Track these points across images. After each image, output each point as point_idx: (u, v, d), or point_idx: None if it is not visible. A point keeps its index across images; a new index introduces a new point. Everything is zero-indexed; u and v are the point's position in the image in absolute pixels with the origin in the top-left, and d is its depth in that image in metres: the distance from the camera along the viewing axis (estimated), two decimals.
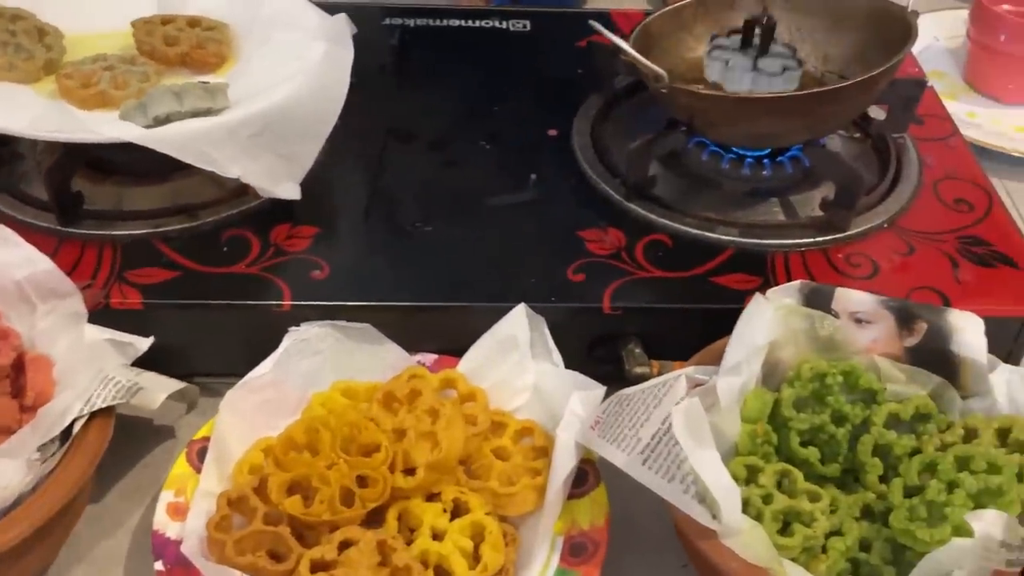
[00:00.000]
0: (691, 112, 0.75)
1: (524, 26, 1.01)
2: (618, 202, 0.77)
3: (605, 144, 0.84)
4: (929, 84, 0.90)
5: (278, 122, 0.72)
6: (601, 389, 0.65)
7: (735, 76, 0.82)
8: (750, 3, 0.86)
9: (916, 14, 0.78)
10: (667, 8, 0.84)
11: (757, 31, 0.80)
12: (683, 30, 0.86)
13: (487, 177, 0.81)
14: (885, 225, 0.76)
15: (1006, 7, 1.09)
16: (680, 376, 0.60)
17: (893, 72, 0.72)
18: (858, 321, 0.64)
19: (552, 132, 0.86)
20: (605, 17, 1.02)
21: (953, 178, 0.82)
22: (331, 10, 0.83)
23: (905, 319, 0.63)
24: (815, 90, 0.69)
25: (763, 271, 0.72)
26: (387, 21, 1.01)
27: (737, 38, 0.83)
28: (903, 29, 0.77)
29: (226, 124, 0.69)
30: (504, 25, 1.01)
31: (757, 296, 0.62)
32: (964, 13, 1.17)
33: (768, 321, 0.61)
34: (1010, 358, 0.72)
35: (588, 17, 1.02)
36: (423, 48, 0.98)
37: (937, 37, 1.16)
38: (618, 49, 0.73)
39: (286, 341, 0.67)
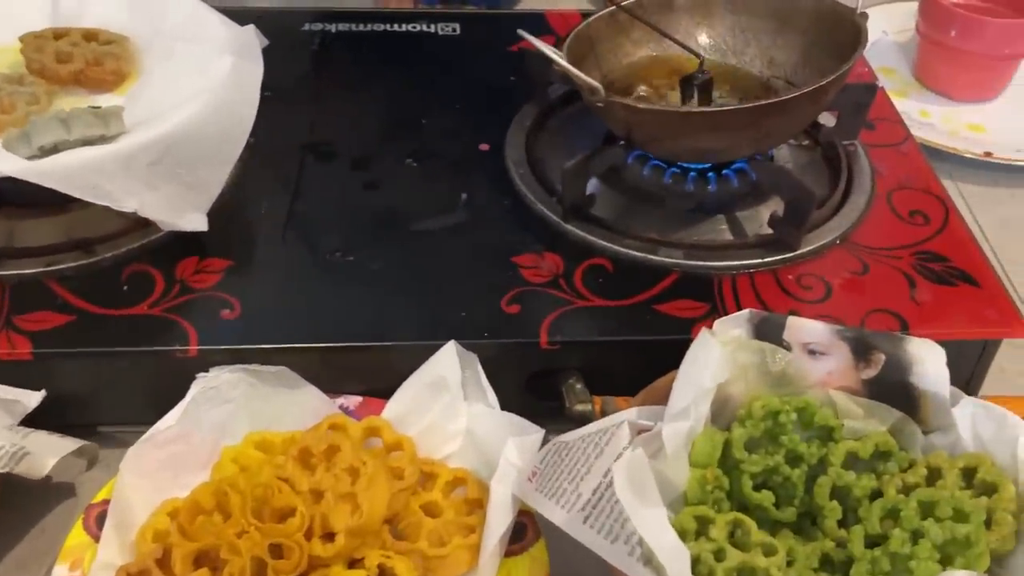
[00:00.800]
0: (629, 127, 0.71)
1: (453, 30, 0.96)
2: (555, 224, 0.73)
3: (540, 158, 0.80)
4: (880, 86, 0.87)
5: (180, 147, 0.66)
6: (539, 433, 0.61)
7: None
8: (688, 4, 0.83)
9: (865, 16, 0.74)
10: (603, 12, 0.80)
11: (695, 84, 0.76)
12: (621, 35, 0.82)
13: (413, 199, 0.76)
14: (838, 242, 0.73)
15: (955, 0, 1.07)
16: (623, 423, 0.56)
17: (843, 80, 0.68)
18: (812, 353, 0.60)
19: (484, 147, 0.81)
20: (539, 19, 0.98)
21: (907, 188, 0.79)
22: (247, 15, 0.78)
23: (861, 350, 0.60)
24: (762, 103, 0.66)
25: (710, 296, 0.69)
26: (306, 27, 0.95)
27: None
28: (852, 32, 0.73)
29: (121, 153, 0.64)
30: (432, 29, 0.96)
31: (704, 332, 0.58)
32: (913, 6, 1.15)
33: (716, 359, 0.57)
34: (971, 382, 0.70)
35: (522, 19, 0.98)
36: (345, 56, 0.93)
37: (886, 31, 1.14)
38: (550, 60, 0.68)
39: (193, 389, 0.62)
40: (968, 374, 0.69)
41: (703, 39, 0.83)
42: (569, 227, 0.73)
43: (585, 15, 0.96)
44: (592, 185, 0.74)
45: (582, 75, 0.67)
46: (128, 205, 0.64)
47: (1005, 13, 1.04)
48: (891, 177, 0.80)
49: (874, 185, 0.78)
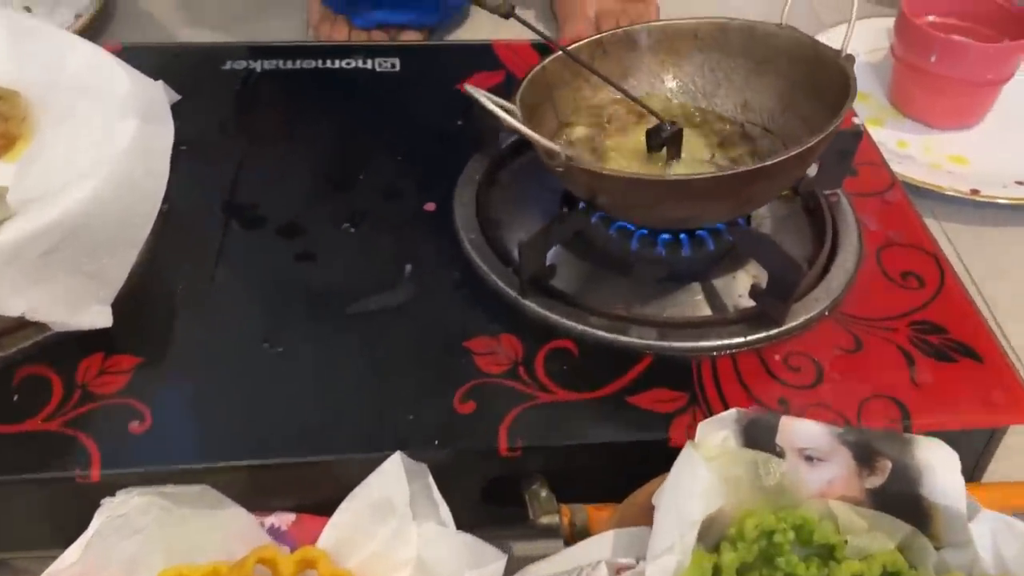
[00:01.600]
0: (593, 192, 0.64)
1: (392, 65, 0.88)
2: (512, 299, 0.66)
3: (494, 219, 0.73)
4: (863, 128, 0.81)
5: (79, 233, 0.58)
6: (500, 562, 0.54)
7: None
8: (653, 42, 0.75)
9: (851, 59, 0.68)
10: (557, 54, 0.73)
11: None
12: (579, 77, 0.74)
13: (352, 272, 0.68)
14: (826, 313, 0.66)
15: (931, 18, 1.01)
16: (600, 563, 0.49)
17: (832, 137, 0.62)
18: (809, 459, 0.54)
19: (429, 206, 0.74)
20: (486, 52, 0.90)
21: (897, 244, 0.73)
22: (163, 53, 0.69)
23: (865, 456, 0.53)
24: (744, 169, 0.59)
25: (688, 382, 0.62)
26: (228, 65, 0.87)
27: None
28: (837, 77, 0.67)
29: (6, 245, 0.55)
30: (369, 64, 0.88)
31: (688, 448, 0.52)
32: (885, 23, 1.09)
33: (703, 483, 0.50)
34: (975, 472, 0.64)
35: (468, 51, 0.90)
36: (272, 98, 0.84)
37: (856, 52, 1.07)
38: (499, 118, 0.60)
39: (97, 519, 0.54)
40: (973, 462, 0.63)
41: (670, 80, 0.76)
42: (528, 303, 0.65)
43: (536, 47, 0.90)
44: (552, 253, 0.67)
45: (538, 137, 0.60)
46: (14, 308, 0.55)
47: (985, 33, 0.99)
48: (879, 232, 0.73)
49: (861, 243, 0.72)
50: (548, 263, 0.67)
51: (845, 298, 0.68)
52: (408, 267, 0.69)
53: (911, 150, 0.96)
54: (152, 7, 1.12)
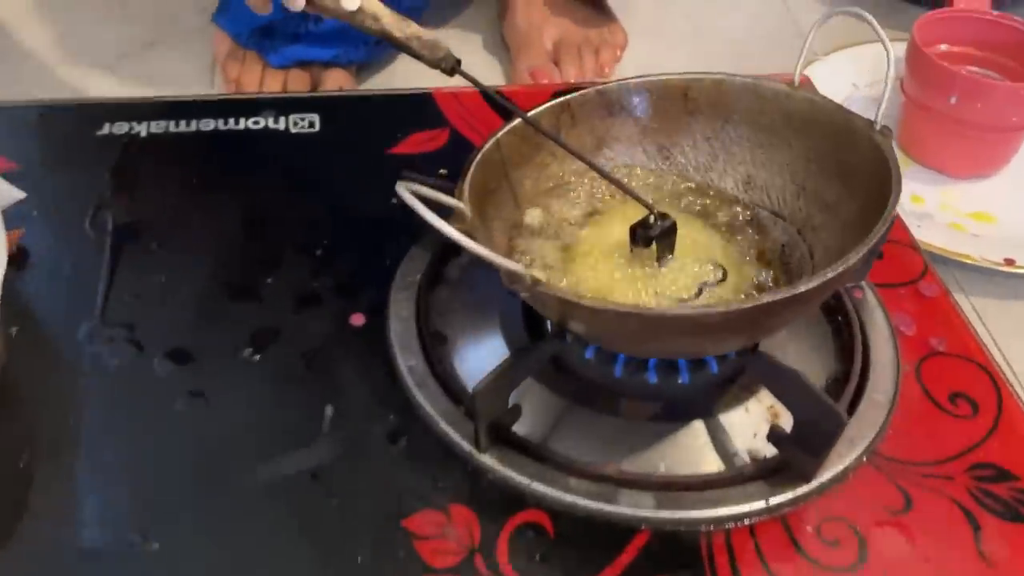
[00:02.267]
0: (570, 321, 0.50)
1: (310, 124, 0.73)
2: (465, 455, 0.52)
3: (440, 335, 0.58)
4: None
5: None
6: None
7: None
8: (632, 105, 0.61)
9: (889, 133, 0.54)
10: (514, 122, 0.58)
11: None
12: (542, 150, 0.60)
13: (254, 421, 0.53)
14: (864, 459, 0.53)
15: (944, 47, 0.88)
16: None
17: (875, 252, 0.48)
18: None
19: (357, 319, 0.59)
20: (425, 103, 0.75)
21: (940, 353, 0.59)
22: (18, 116, 0.54)
23: None
24: (769, 301, 0.45)
25: (698, 566, 0.48)
26: (104, 129, 0.71)
27: None
28: (869, 156, 0.54)
29: None
30: (281, 124, 0.73)
31: None
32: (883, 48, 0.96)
33: None
34: None
35: (402, 103, 0.75)
36: (158, 174, 0.69)
37: (856, 84, 0.95)
38: (442, 232, 0.46)
39: None
40: None
41: (654, 151, 0.62)
42: (486, 460, 0.51)
43: (486, 96, 0.75)
44: (515, 393, 0.53)
45: (496, 257, 0.45)
46: None
47: (1006, 64, 0.86)
48: (917, 338, 0.60)
49: (898, 355, 0.59)
50: (510, 403, 0.52)
51: (885, 436, 0.54)
52: (328, 410, 0.54)
53: (927, 206, 0.83)
54: (24, 39, 0.96)
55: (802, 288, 0.45)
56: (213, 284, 0.60)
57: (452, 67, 0.57)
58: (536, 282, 0.47)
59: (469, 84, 0.57)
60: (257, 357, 0.56)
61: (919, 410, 0.56)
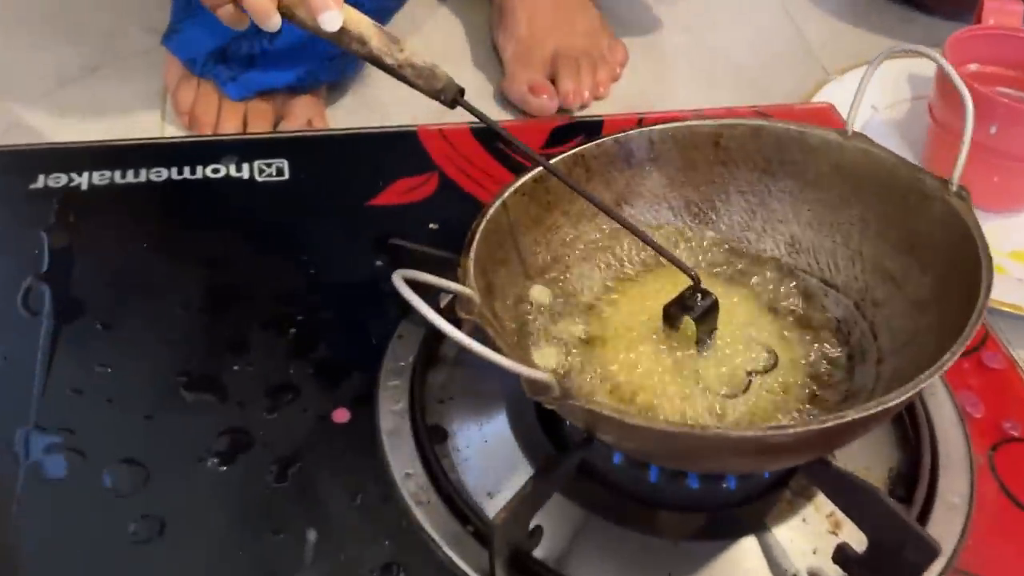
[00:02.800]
0: (607, 436, 0.41)
1: (278, 171, 0.64)
2: None
3: (441, 430, 0.50)
4: None
5: None
6: None
7: None
8: (654, 155, 0.53)
9: (967, 196, 0.46)
10: (521, 181, 0.50)
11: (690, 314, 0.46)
12: (554, 210, 0.52)
13: (223, 555, 0.44)
14: None
15: (974, 67, 0.81)
16: None
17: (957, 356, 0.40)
18: None
19: (340, 416, 0.50)
20: (408, 141, 0.67)
21: (1015, 440, 0.52)
22: None
23: None
24: (852, 418, 0.37)
25: None
26: (40, 182, 0.61)
27: None
28: (942, 221, 0.46)
29: None
30: (246, 172, 0.64)
31: None
32: (906, 67, 0.89)
33: None
34: None
35: (384, 142, 0.67)
36: (100, 237, 0.59)
37: (875, 106, 0.87)
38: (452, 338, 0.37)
39: None
40: None
41: (681, 208, 0.54)
42: None
43: (478, 134, 0.67)
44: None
45: (522, 368, 0.37)
46: None
47: None
48: (987, 420, 0.53)
49: (968, 443, 0.51)
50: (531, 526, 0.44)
51: (965, 545, 0.47)
52: (311, 535, 0.45)
53: None
54: None
55: (894, 400, 0.37)
56: (169, 375, 0.51)
57: (453, 99, 0.49)
58: (567, 395, 0.38)
59: (459, 116, 0.49)
60: (224, 468, 0.48)
61: (998, 511, 0.49)
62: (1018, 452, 0.51)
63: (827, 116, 0.75)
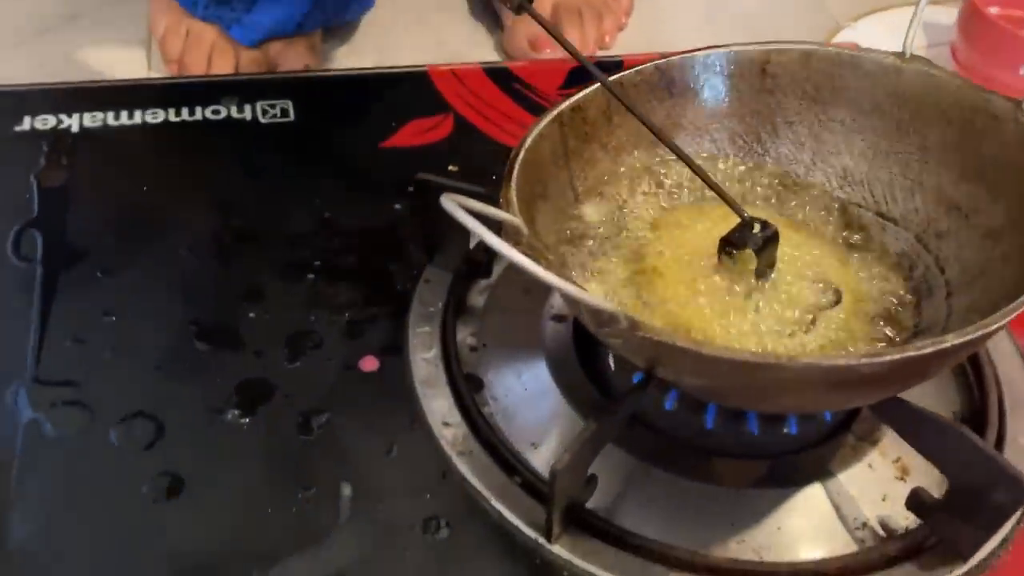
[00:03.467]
0: (673, 370, 0.38)
1: (283, 112, 0.60)
2: (531, 546, 0.40)
3: (478, 380, 0.47)
4: None
5: None
6: None
7: None
8: (697, 83, 0.50)
9: None
10: (559, 110, 0.46)
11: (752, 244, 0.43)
12: (592, 141, 0.48)
13: (247, 516, 0.41)
14: (1022, 523, 0.43)
15: (994, 10, 0.79)
16: None
17: None
18: None
19: (368, 363, 0.47)
20: (420, 81, 0.63)
21: None
22: None
23: None
24: (950, 344, 0.34)
25: None
26: (26, 124, 0.57)
27: None
28: (1014, 143, 0.43)
29: None
30: (247, 114, 0.60)
31: None
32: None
33: None
34: None
35: (394, 82, 0.63)
36: (97, 181, 0.55)
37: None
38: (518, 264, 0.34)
39: None
40: None
41: (722, 137, 0.51)
42: (559, 552, 0.40)
43: (492, 73, 0.63)
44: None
45: (590, 298, 0.34)
46: None
47: None
48: None
49: None
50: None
51: None
52: (346, 489, 0.42)
53: None
54: None
55: (996, 324, 0.35)
56: (179, 324, 0.48)
57: (520, 2, 0.45)
58: (635, 325, 0.35)
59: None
60: (246, 420, 0.44)
61: None
62: None
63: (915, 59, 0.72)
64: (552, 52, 0.79)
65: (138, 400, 0.44)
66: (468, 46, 0.84)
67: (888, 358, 0.34)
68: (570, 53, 0.46)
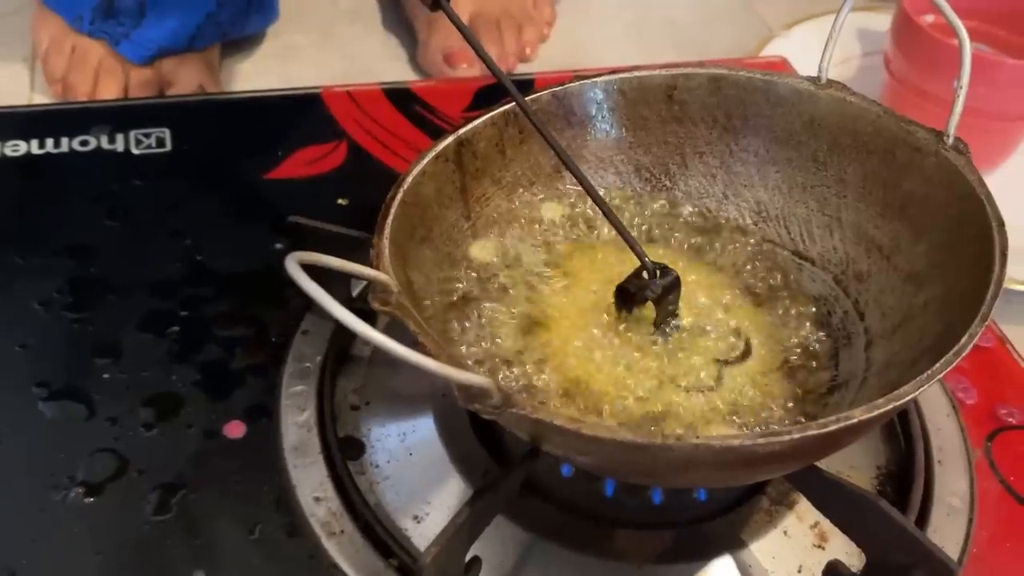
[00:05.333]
0: (556, 448, 0.34)
1: (159, 142, 0.55)
2: None
3: (353, 441, 0.42)
4: None
5: None
6: None
7: None
8: (597, 112, 0.46)
9: (966, 149, 0.40)
10: (443, 145, 0.42)
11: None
12: (484, 177, 0.44)
13: None
14: None
15: (930, 18, 0.75)
16: None
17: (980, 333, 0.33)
18: None
19: (233, 430, 0.42)
20: (312, 107, 0.58)
21: (1013, 427, 0.46)
22: None
23: None
24: (859, 419, 0.30)
25: None
26: None
27: None
28: (935, 179, 0.40)
29: None
30: (118, 144, 0.55)
31: None
32: (851, 20, 0.83)
33: None
34: None
35: (285, 106, 0.58)
36: None
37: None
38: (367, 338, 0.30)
39: None
40: None
41: (627, 170, 0.47)
42: None
43: (391, 95, 0.59)
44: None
45: (447, 367, 0.30)
46: None
47: (1010, 40, 0.74)
48: (980, 407, 0.47)
49: (964, 434, 0.45)
50: (468, 559, 0.37)
51: (968, 556, 0.41)
52: None
53: None
54: None
55: (909, 395, 0.31)
56: (24, 385, 0.43)
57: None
58: (508, 402, 0.31)
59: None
60: (90, 500, 0.39)
61: (1003, 513, 0.43)
62: (1018, 441, 0.46)
63: (781, 71, 0.68)
64: (469, 68, 0.74)
65: None
66: (381, 61, 0.79)
67: (787, 438, 0.30)
68: (484, 62, 0.41)
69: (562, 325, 0.41)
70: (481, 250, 0.44)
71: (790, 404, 0.39)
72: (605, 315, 0.41)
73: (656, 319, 0.40)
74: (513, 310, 0.42)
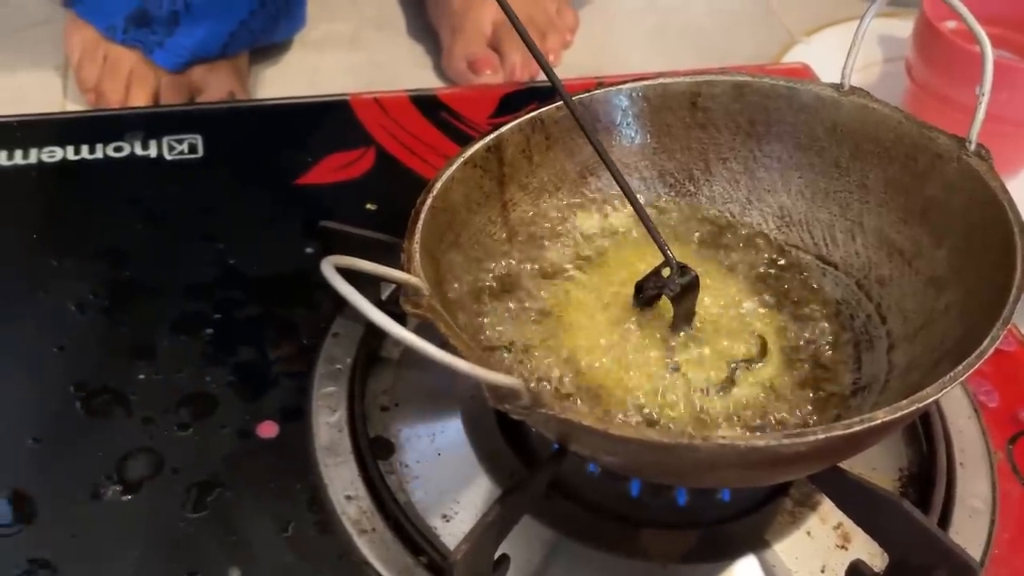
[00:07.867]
0: (584, 448, 0.35)
1: (191, 148, 0.57)
2: None
3: (383, 442, 0.43)
4: None
5: None
6: None
7: None
8: (623, 118, 0.47)
9: (988, 155, 0.41)
10: (472, 151, 0.43)
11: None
12: (511, 183, 0.45)
13: None
14: None
15: (951, 24, 0.76)
16: None
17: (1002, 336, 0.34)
18: None
19: (266, 430, 0.43)
20: (341, 114, 0.59)
21: None
22: None
23: None
24: (864, 426, 0.31)
25: None
26: None
27: None
28: (962, 186, 0.40)
29: None
30: (152, 151, 0.56)
31: None
32: (873, 26, 0.84)
33: None
34: None
35: (315, 113, 0.60)
36: None
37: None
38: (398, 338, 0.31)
39: None
40: None
41: (651, 175, 0.48)
42: None
43: (419, 102, 0.60)
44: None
45: (478, 368, 0.30)
46: None
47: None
48: (1002, 410, 0.47)
49: (986, 438, 0.46)
50: (496, 556, 0.38)
51: (990, 557, 0.41)
52: (234, 574, 0.38)
53: None
54: None
55: (932, 396, 0.31)
56: (61, 388, 0.44)
57: None
58: (538, 402, 0.32)
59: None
60: (128, 498, 0.40)
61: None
62: None
63: (804, 78, 0.69)
64: (493, 74, 0.75)
65: (11, 476, 0.41)
66: (407, 67, 0.80)
67: (812, 438, 0.31)
68: (531, 52, 0.42)
69: (590, 327, 0.42)
70: (513, 257, 0.45)
71: (809, 407, 0.40)
72: (625, 314, 0.42)
73: (674, 319, 0.41)
74: (542, 313, 0.43)
